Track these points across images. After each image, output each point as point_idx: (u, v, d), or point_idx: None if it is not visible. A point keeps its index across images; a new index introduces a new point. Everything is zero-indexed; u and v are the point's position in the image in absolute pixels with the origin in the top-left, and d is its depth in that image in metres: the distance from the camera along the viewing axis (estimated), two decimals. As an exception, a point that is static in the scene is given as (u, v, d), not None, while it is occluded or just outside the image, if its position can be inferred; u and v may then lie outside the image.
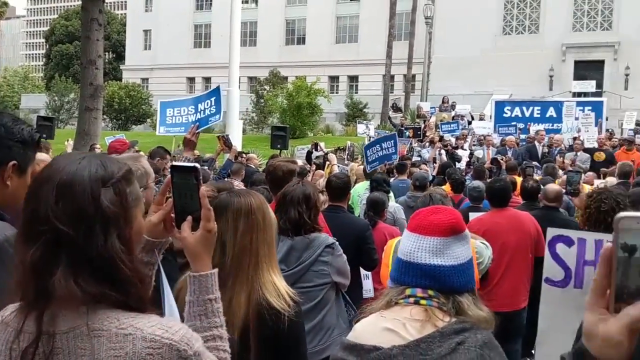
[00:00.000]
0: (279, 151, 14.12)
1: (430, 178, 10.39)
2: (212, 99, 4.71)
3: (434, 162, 12.29)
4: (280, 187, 3.59)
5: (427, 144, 14.88)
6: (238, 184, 7.29)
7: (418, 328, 1.70)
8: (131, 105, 39.19)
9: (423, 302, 1.75)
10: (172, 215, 1.56)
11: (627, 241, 0.93)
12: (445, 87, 34.00)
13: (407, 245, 1.83)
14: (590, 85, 28.90)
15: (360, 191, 7.64)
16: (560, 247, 2.34)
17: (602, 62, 36.00)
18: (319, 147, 12.17)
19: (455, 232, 1.80)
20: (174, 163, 1.59)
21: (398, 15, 35.06)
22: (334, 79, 43.71)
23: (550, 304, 2.32)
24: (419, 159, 14.19)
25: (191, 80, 48.85)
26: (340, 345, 1.83)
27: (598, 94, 28.81)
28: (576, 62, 36.56)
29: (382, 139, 9.36)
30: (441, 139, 14.49)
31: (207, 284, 1.52)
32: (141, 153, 9.93)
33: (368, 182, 7.35)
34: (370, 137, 16.32)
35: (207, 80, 45.25)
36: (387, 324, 1.75)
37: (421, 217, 1.84)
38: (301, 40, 45.38)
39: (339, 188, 4.58)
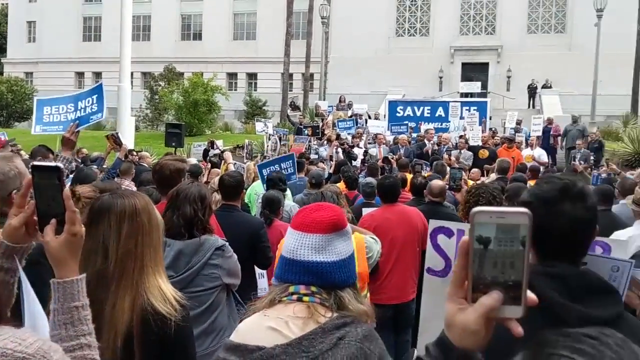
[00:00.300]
0: (174, 149, 13.80)
1: (327, 176, 10.59)
2: (94, 97, 4.48)
3: (331, 160, 12.49)
4: (168, 187, 3.51)
5: (325, 142, 15.10)
6: (128, 184, 7.03)
7: (300, 325, 1.73)
8: (13, 101, 36.56)
9: (306, 298, 1.78)
10: (35, 218, 1.48)
11: (482, 234, 0.98)
12: (342, 86, 34.65)
13: (290, 243, 1.85)
14: (476, 86, 30.55)
15: (257, 189, 7.63)
16: (441, 238, 2.45)
17: (486, 64, 38.20)
18: (215, 145, 11.99)
19: (336, 229, 1.85)
20: (35, 163, 1.50)
21: (295, 14, 35.29)
22: (232, 75, 43.23)
23: (432, 293, 2.42)
24: (316, 156, 14.38)
25: (80, 75, 46.40)
26: (224, 346, 1.82)
27: (483, 94, 30.53)
28: (463, 64, 38.56)
29: (281, 159, 8.84)
30: (338, 137, 14.74)
31: (72, 290, 1.46)
32: (22, 152, 9.33)
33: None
34: (269, 135, 16.30)
35: (98, 75, 43.14)
36: (270, 323, 1.76)
37: (303, 215, 1.87)
38: (197, 36, 44.48)
39: (232, 187, 4.54)
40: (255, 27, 42.85)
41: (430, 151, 13.84)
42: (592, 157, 15.66)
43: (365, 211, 5.83)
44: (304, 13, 34.39)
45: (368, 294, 4.11)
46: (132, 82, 29.45)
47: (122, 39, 14.54)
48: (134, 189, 5.86)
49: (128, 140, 15.98)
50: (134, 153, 11.27)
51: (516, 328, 0.99)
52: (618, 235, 4.87)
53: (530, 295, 1.01)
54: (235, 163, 8.25)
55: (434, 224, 2.45)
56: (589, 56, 25.97)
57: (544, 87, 32.02)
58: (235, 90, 41.23)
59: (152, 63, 39.29)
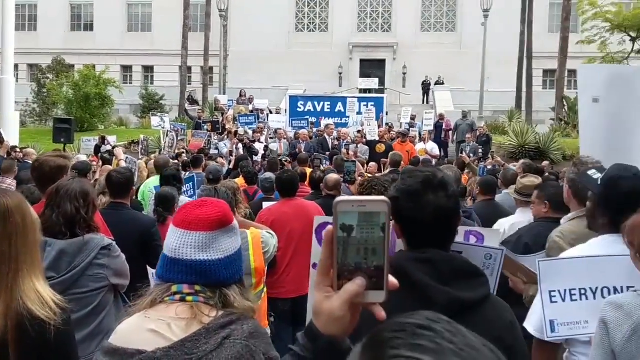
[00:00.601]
0: (63, 145, 13.05)
1: (226, 171, 10.46)
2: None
3: (231, 155, 12.35)
4: (48, 185, 3.29)
5: (226, 137, 14.91)
6: (10, 183, 6.59)
7: (183, 327, 1.67)
8: None
9: (189, 298, 1.72)
10: None
11: (345, 222, 1.01)
12: (243, 81, 34.32)
13: (172, 241, 1.79)
14: (373, 83, 31.28)
15: (152, 186, 7.38)
16: None
17: (383, 61, 39.33)
18: (106, 141, 11.46)
19: (221, 225, 1.80)
20: None
21: (193, 6, 34.45)
22: (127, 68, 41.49)
23: (310, 289, 2.39)
24: (216, 152, 14.17)
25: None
26: (102, 349, 1.72)
27: (381, 90, 31.39)
28: (362, 61, 39.46)
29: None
30: (236, 133, 14.60)
31: None
32: None
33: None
34: (167, 131, 15.83)
35: (-23, 66, 39.91)
36: (151, 325, 1.69)
37: (186, 212, 1.81)
38: (89, 27, 42.21)
39: (120, 184, 4.35)
40: (151, 19, 41.33)
41: (330, 145, 14.04)
42: (480, 150, 16.57)
43: (266, 206, 5.81)
44: (202, 5, 33.65)
45: (265, 289, 4.10)
46: (17, 74, 27.55)
47: (4, 29, 13.60)
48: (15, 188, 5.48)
49: (12, 136, 14.95)
50: (18, 150, 10.52)
51: (380, 312, 1.01)
52: (501, 222, 5.18)
53: (392, 279, 1.04)
54: (127, 158, 7.92)
55: (318, 219, 2.46)
56: (477, 54, 27.41)
57: (437, 83, 33.43)
58: (131, 83, 39.62)
59: (40, 55, 36.90)
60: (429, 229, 1.82)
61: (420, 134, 17.55)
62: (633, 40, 18.11)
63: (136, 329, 1.71)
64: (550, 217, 3.93)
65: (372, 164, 12.28)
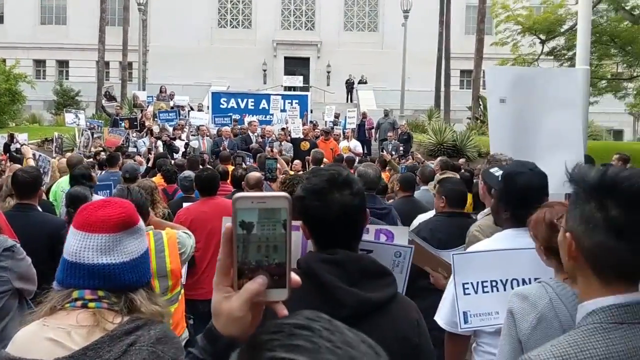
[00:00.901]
0: (-34, 144, 12.23)
1: (144, 169, 10.16)
2: None
3: (150, 153, 12.00)
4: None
5: (145, 134, 14.47)
6: None
7: (85, 335, 1.60)
8: None
9: (92, 304, 1.65)
10: None
11: (244, 219, 0.99)
12: (164, 77, 33.46)
13: (72, 244, 1.70)
14: (298, 80, 31.30)
15: (64, 186, 7.05)
16: None
17: (308, 59, 39.47)
18: (15, 139, 10.85)
19: (126, 227, 1.73)
20: None
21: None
22: (40, 63, 39.42)
23: None
24: (135, 150, 13.73)
25: None
26: (-2, 360, 1.62)
27: (305, 88, 31.50)
28: (286, 58, 39.42)
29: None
30: (162, 129, 14.21)
31: None
32: None
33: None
34: (82, 129, 15.16)
35: None
36: (50, 334, 1.60)
37: (87, 213, 1.73)
38: (-3, 19, 39.86)
39: (27, 184, 4.12)
40: (65, 11, 39.46)
41: (254, 143, 13.90)
42: (401, 148, 16.99)
43: (186, 206, 5.67)
44: (120, -1, 32.58)
45: (182, 290, 4.00)
46: None
47: None
48: None
49: None
50: None
51: (282, 310, 1.00)
52: (420, 218, 5.31)
53: (294, 277, 1.02)
54: (40, 156, 7.52)
55: (227, 220, 2.36)
56: (398, 54, 27.99)
57: (360, 82, 33.94)
58: (44, 78, 37.74)
59: (-59, 47, 34.52)
60: (335, 227, 1.81)
61: (344, 132, 17.76)
62: (543, 42, 19.09)
63: (34, 338, 1.61)
64: (446, 211, 4.10)
65: (296, 161, 12.26)
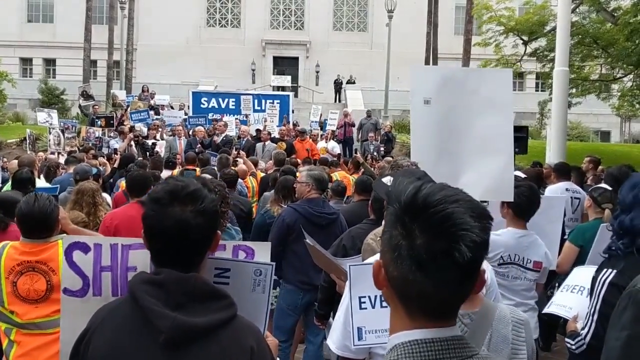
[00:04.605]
0: None
1: (109, 170, 9.99)
2: None
3: (116, 153, 11.83)
4: None
5: (117, 134, 14.29)
6: None
7: None
8: None
9: None
10: None
11: None
12: (152, 76, 33.31)
13: None
14: (286, 80, 31.22)
15: (8, 188, 6.87)
16: (77, 255, 2.18)
17: (296, 59, 39.31)
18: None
19: None
20: None
21: (98, -3, 33.19)
22: (27, 61, 39.15)
23: (71, 315, 2.17)
24: (108, 149, 13.56)
25: None
26: None
27: (294, 88, 31.35)
28: (275, 58, 39.25)
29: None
30: (132, 129, 14.02)
31: None
32: None
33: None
34: (50, 128, 14.93)
35: None
36: None
37: None
38: (-17, 16, 39.53)
39: None
40: (53, 9, 39.20)
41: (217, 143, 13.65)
42: (382, 149, 16.87)
43: (113, 210, 5.49)
44: (107, -4, 32.31)
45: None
46: None
47: None
48: None
49: None
50: None
51: None
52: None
53: None
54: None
55: (68, 239, 2.21)
56: (387, 54, 27.87)
57: (349, 82, 33.80)
58: (31, 77, 37.50)
59: None
60: (167, 243, 1.68)
61: (324, 133, 17.64)
62: (525, 43, 18.98)
63: None
64: (373, 218, 3.96)
65: (269, 162, 12.11)
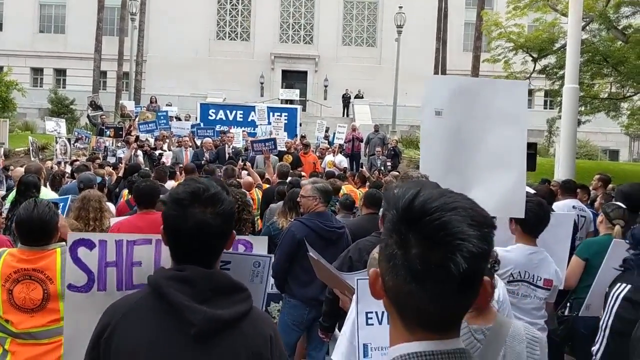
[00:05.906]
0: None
1: (114, 179, 9.93)
2: None
3: (121, 162, 11.79)
4: None
5: (125, 143, 14.27)
6: None
7: None
8: None
9: None
10: None
11: None
12: (162, 87, 33.49)
13: None
14: (295, 94, 31.29)
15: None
16: (82, 251, 2.23)
17: (305, 73, 39.41)
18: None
19: None
20: None
21: (109, 9, 33.39)
22: (37, 71, 39.43)
23: (75, 311, 2.23)
24: (114, 159, 13.54)
25: None
26: None
27: (302, 102, 31.38)
28: (284, 71, 39.36)
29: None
30: (137, 138, 14.01)
31: None
32: None
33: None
34: (57, 137, 14.95)
35: None
36: None
37: None
38: (-3, 26, 39.95)
39: None
40: (65, 20, 39.55)
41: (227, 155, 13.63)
42: (389, 163, 16.79)
43: (120, 219, 5.42)
44: (118, 9, 32.59)
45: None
46: None
47: None
48: None
49: None
50: None
51: None
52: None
53: None
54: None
55: (73, 236, 2.26)
56: (395, 70, 27.89)
57: (357, 97, 33.84)
58: (42, 86, 37.78)
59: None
60: (189, 242, 1.77)
61: (332, 147, 17.60)
62: (535, 60, 18.93)
63: None
64: (381, 232, 3.85)
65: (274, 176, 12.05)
